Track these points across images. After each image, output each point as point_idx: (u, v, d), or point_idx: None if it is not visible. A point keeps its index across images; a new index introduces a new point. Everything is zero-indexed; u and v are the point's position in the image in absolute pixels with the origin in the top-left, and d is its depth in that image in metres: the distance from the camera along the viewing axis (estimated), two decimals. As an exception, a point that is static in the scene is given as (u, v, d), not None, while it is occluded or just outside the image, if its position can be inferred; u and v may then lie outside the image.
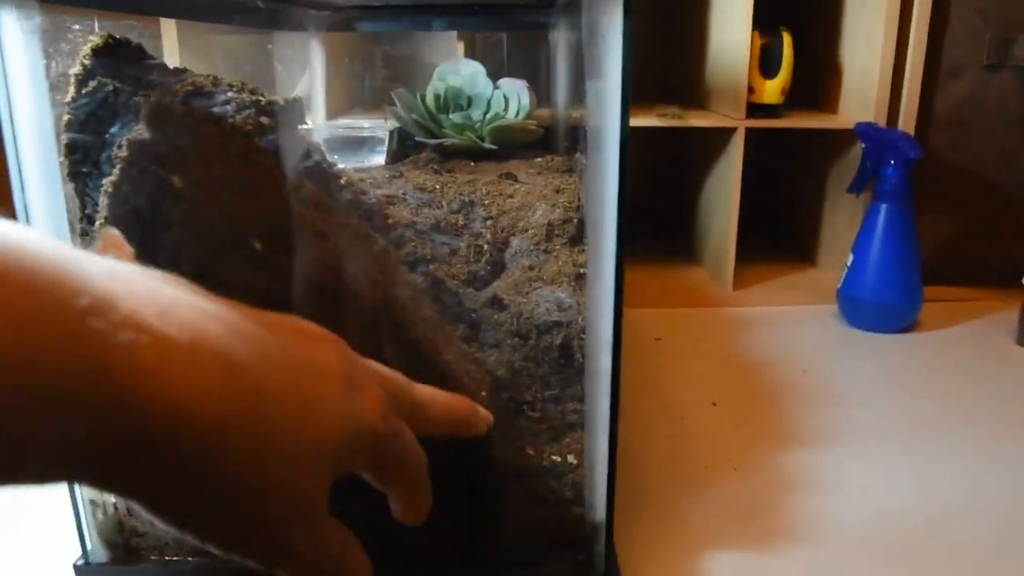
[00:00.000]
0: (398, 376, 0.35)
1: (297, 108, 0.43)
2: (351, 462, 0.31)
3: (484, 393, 0.46)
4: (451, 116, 0.84)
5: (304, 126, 0.44)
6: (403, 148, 0.88)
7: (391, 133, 0.90)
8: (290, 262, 0.41)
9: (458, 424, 0.38)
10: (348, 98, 1.10)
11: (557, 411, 0.50)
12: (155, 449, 0.24)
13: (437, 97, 0.87)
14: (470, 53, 1.03)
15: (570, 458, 0.48)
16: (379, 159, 0.87)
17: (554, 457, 0.47)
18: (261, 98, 0.43)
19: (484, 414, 0.39)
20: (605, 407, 0.44)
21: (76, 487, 0.47)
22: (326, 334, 0.32)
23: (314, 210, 0.42)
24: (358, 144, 0.88)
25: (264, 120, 0.42)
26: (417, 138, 0.84)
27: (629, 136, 0.41)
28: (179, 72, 0.48)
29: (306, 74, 1.02)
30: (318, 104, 0.99)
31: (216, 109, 0.41)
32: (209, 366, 0.25)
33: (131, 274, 0.25)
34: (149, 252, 0.41)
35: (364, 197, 0.53)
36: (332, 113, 1.01)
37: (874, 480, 0.64)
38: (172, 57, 0.94)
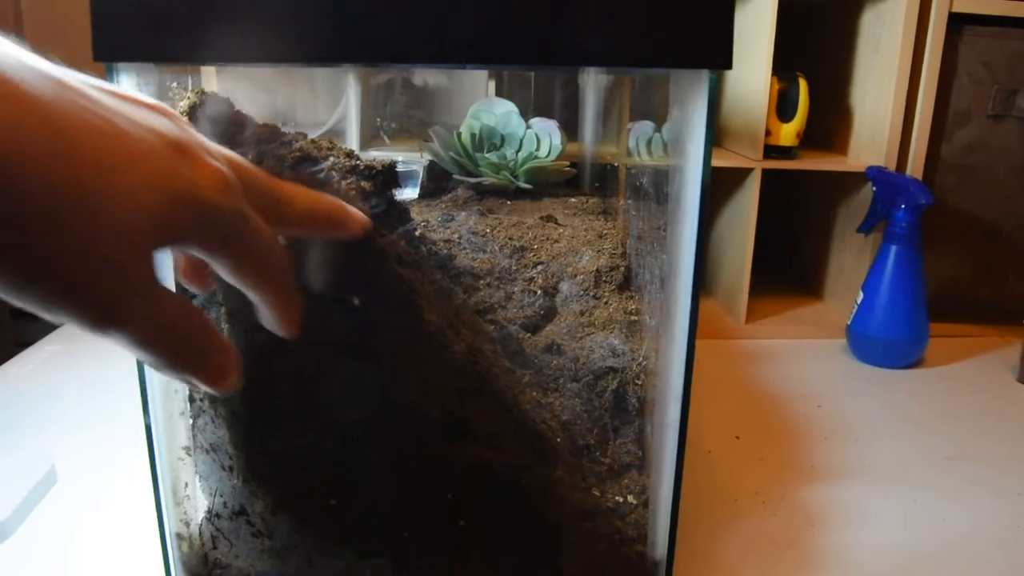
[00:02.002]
0: (258, 169, 0.35)
1: (392, 172, 0.46)
2: (186, 235, 0.30)
3: (559, 440, 0.49)
4: (487, 155, 0.88)
5: (397, 189, 0.47)
6: (436, 183, 0.91)
7: (424, 168, 0.93)
8: (386, 318, 0.44)
9: (325, 222, 0.38)
10: (373, 132, 1.13)
11: (617, 453, 0.53)
12: None
13: (472, 136, 0.90)
14: (500, 90, 1.06)
15: (630, 498, 0.51)
16: (412, 193, 0.90)
17: (617, 498, 0.51)
18: (360, 163, 0.46)
19: (357, 215, 0.39)
20: (672, 453, 0.47)
21: (164, 519, 0.50)
22: (163, 107, 0.31)
23: (408, 269, 0.45)
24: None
25: (365, 184, 0.45)
26: (455, 176, 0.87)
27: (709, 204, 0.44)
28: (272, 129, 0.51)
29: (341, 105, 1.05)
30: (352, 135, 1.02)
31: (322, 175, 0.44)
32: (16, 109, 0.25)
33: None
34: (250, 305, 0.44)
35: (437, 250, 0.56)
36: (364, 144, 1.04)
37: (892, 515, 0.67)
38: (211, 86, 0.97)
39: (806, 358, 1.03)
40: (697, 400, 0.88)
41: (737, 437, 0.81)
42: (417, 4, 0.41)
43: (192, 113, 0.48)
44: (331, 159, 0.45)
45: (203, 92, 0.50)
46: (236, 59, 0.46)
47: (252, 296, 0.35)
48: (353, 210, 0.39)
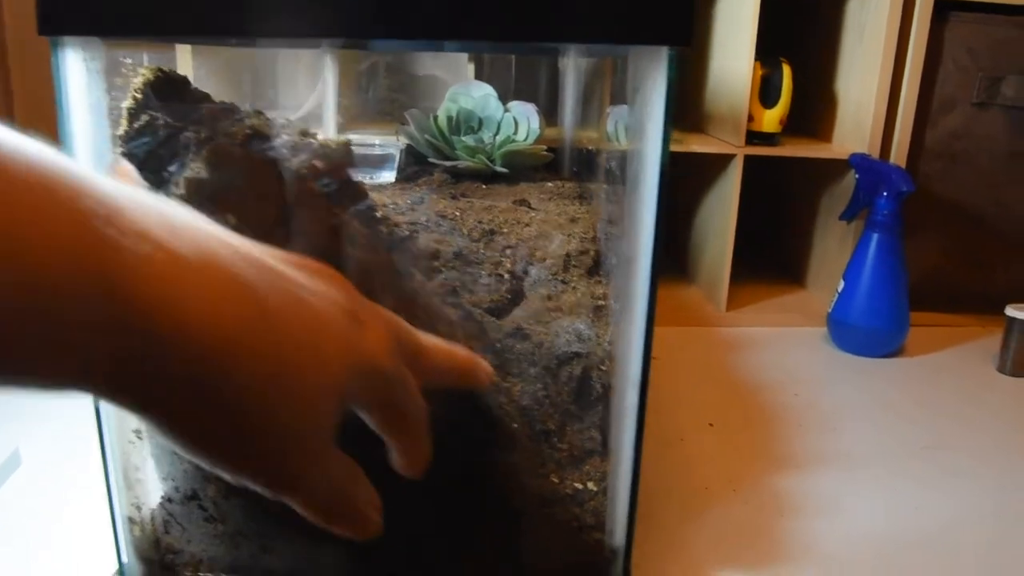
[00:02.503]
0: (402, 321, 0.36)
1: (347, 150, 0.45)
2: (356, 398, 0.31)
3: (516, 425, 0.48)
4: (463, 138, 0.87)
5: (353, 168, 0.46)
6: (413, 166, 0.90)
7: (401, 151, 0.92)
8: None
9: (460, 374, 0.39)
10: (356, 113, 1.12)
11: (578, 440, 0.52)
12: (163, 362, 0.24)
13: (449, 119, 0.89)
14: (479, 73, 1.05)
15: (590, 485, 0.51)
16: (390, 176, 0.89)
17: (576, 484, 0.50)
18: (314, 141, 0.45)
19: (485, 367, 0.40)
20: (630, 439, 0.46)
21: (114, 502, 0.49)
22: (333, 271, 0.32)
23: (362, 250, 0.44)
24: (369, 160, 0.91)
25: (317, 163, 0.44)
26: (431, 159, 0.86)
27: (668, 185, 0.43)
28: (228, 108, 0.50)
29: (318, 88, 1.04)
30: (329, 119, 1.01)
31: (273, 152, 0.43)
32: (218, 285, 0.25)
33: (140, 194, 0.26)
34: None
35: (400, 231, 0.55)
36: (342, 128, 1.03)
37: (866, 503, 0.67)
38: (186, 70, 0.96)
39: (786, 346, 1.02)
40: (673, 387, 0.88)
41: (711, 424, 0.80)
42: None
43: (145, 90, 0.47)
44: (284, 137, 0.45)
45: (159, 69, 0.49)
46: (186, 33, 0.45)
47: (388, 441, 0.36)
48: (481, 361, 0.40)
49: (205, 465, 0.28)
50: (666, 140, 0.43)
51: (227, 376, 0.25)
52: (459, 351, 0.39)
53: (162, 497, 0.50)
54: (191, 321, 0.24)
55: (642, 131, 0.44)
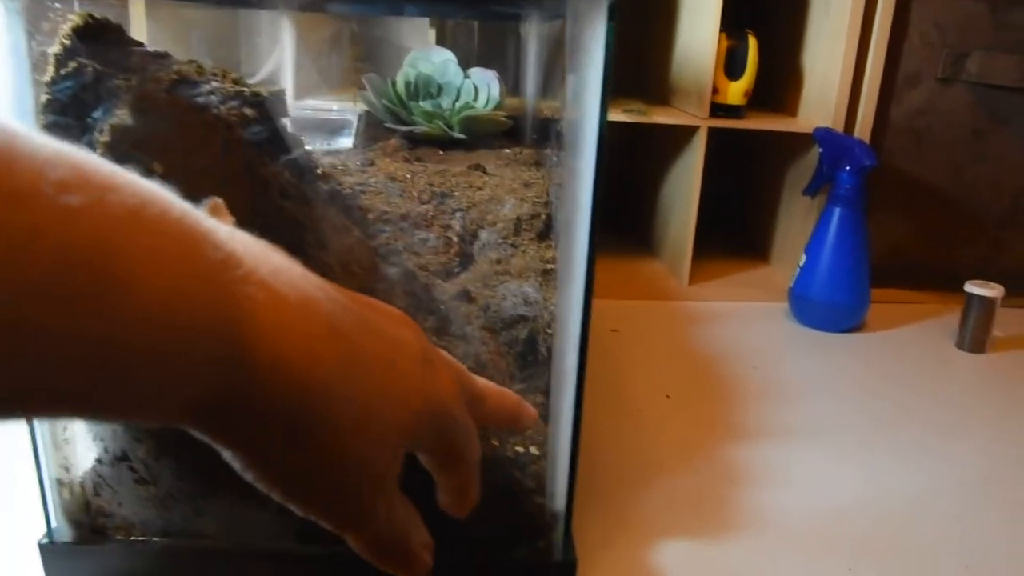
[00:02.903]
0: (462, 367, 0.37)
1: (281, 100, 0.44)
2: (422, 438, 0.32)
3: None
4: (421, 104, 0.85)
5: (287, 118, 0.45)
6: (372, 132, 0.88)
7: (360, 117, 0.90)
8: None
9: (510, 418, 0.40)
10: (316, 79, 1.10)
11: (521, 403, 0.51)
12: (260, 400, 0.25)
13: (408, 84, 0.87)
14: (441, 39, 1.03)
15: (532, 449, 0.50)
16: (347, 142, 0.88)
17: (517, 448, 0.49)
18: (245, 89, 0.43)
19: (530, 411, 0.41)
20: (570, 402, 0.45)
21: (41, 464, 0.48)
22: (403, 315, 0.33)
23: (293, 201, 0.43)
24: (327, 126, 0.89)
25: (248, 111, 0.42)
26: (387, 124, 0.85)
27: (607, 141, 0.42)
28: (161, 56, 0.48)
29: (275, 53, 1.02)
30: (287, 84, 0.99)
31: (201, 99, 0.42)
32: (316, 327, 0.26)
33: (244, 236, 0.27)
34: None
35: (339, 188, 0.54)
36: (300, 93, 1.01)
37: (820, 475, 0.67)
38: (139, 32, 0.93)
39: (747, 321, 1.02)
40: (632, 360, 0.87)
41: (668, 396, 0.79)
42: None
43: (77, 35, 0.45)
44: (213, 83, 0.43)
45: (90, 15, 0.47)
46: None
47: (440, 479, 0.36)
48: (527, 405, 0.40)
49: (276, 497, 0.28)
50: (604, 96, 0.42)
51: (319, 416, 0.26)
52: (510, 395, 0.40)
53: (92, 459, 0.49)
54: (292, 360, 0.25)
55: (582, 90, 0.43)
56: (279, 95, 0.44)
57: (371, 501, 0.30)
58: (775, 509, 0.61)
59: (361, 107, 0.90)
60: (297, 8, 0.93)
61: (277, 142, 0.44)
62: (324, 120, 0.88)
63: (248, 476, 0.27)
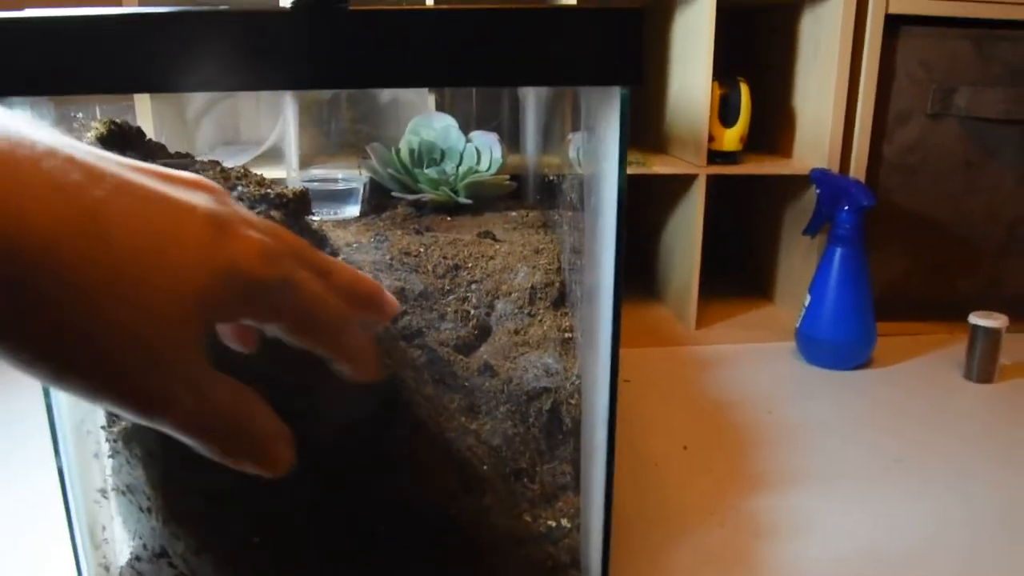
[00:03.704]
0: (303, 240, 0.35)
1: (304, 198, 0.45)
2: (228, 309, 0.30)
3: (486, 467, 0.48)
4: (426, 171, 0.87)
5: (311, 217, 0.46)
6: (377, 200, 0.90)
7: (364, 185, 0.92)
8: (300, 350, 0.43)
9: (367, 301, 0.37)
10: (318, 148, 1.12)
11: (550, 476, 0.52)
12: None
13: (411, 151, 0.89)
14: (440, 104, 1.05)
15: (563, 522, 0.50)
16: (355, 210, 0.89)
17: (550, 522, 0.50)
18: (270, 191, 0.45)
19: (390, 299, 0.38)
20: (601, 475, 0.46)
21: (81, 564, 0.48)
22: (204, 182, 0.31)
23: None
24: (333, 196, 0.90)
25: (274, 214, 0.44)
26: (394, 193, 0.86)
27: (627, 218, 0.43)
28: (183, 157, 0.50)
29: (278, 125, 1.04)
30: (291, 154, 1.00)
31: (229, 205, 0.43)
32: (31, 183, 0.25)
33: None
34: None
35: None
36: (304, 163, 1.03)
37: (842, 521, 0.67)
38: (145, 114, 0.95)
39: (756, 362, 1.03)
40: (645, 410, 0.88)
41: (685, 447, 0.80)
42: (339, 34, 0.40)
43: (101, 143, 0.47)
44: (239, 188, 0.44)
45: (112, 122, 0.48)
46: (135, 89, 0.44)
47: (324, 354, 0.35)
48: (388, 295, 0.38)
49: (55, 386, 0.27)
50: (622, 174, 0.43)
51: (51, 280, 0.25)
52: (365, 278, 0.37)
53: (130, 555, 0.49)
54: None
55: (598, 166, 0.44)
56: (303, 194, 0.45)
57: (166, 380, 0.27)
58: (804, 560, 0.62)
59: (367, 175, 0.92)
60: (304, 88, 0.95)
61: (305, 239, 0.45)
62: (331, 190, 0.90)
63: (10, 361, 0.25)
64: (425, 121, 0.92)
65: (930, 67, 1.04)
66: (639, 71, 0.41)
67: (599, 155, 0.45)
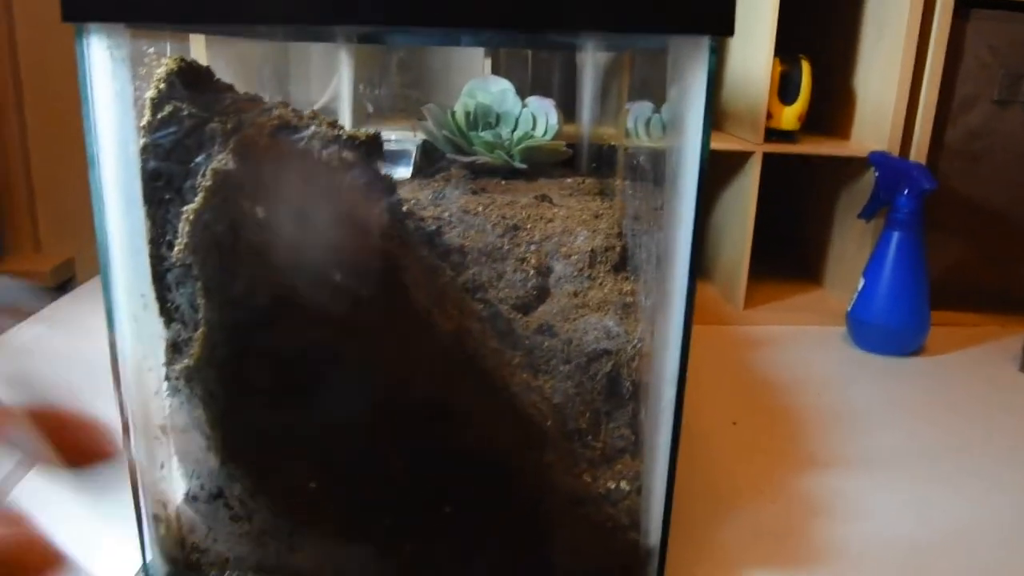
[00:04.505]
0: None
1: (377, 142, 0.44)
2: None
3: (549, 423, 0.47)
4: (481, 134, 0.86)
5: (382, 160, 0.45)
6: (429, 162, 0.89)
7: (417, 147, 0.91)
8: (369, 294, 0.42)
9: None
10: (373, 108, 1.11)
11: (610, 438, 0.51)
12: None
13: (467, 114, 0.88)
14: (496, 68, 1.04)
15: (623, 484, 0.50)
16: (405, 172, 0.88)
17: (609, 484, 0.49)
18: (342, 132, 0.44)
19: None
20: (666, 440, 0.45)
21: (140, 500, 0.48)
22: None
23: (393, 243, 0.43)
24: (387, 157, 0.90)
25: (347, 155, 0.43)
26: (448, 155, 0.85)
27: (707, 176, 0.42)
28: (254, 99, 0.49)
29: (333, 84, 1.03)
30: (345, 115, 1.00)
31: (302, 144, 0.42)
32: None
33: None
34: (227, 280, 0.43)
35: (424, 226, 0.54)
36: (357, 124, 1.02)
37: (893, 506, 0.66)
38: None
39: (805, 345, 1.01)
40: (694, 386, 0.87)
41: (734, 423, 0.79)
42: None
43: (169, 79, 0.46)
44: (312, 128, 0.44)
45: (182, 59, 0.48)
46: (212, 21, 0.44)
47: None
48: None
49: None
50: (706, 133, 0.42)
51: None
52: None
53: (187, 495, 0.49)
54: None
55: (681, 126, 0.43)
56: (375, 138, 0.44)
57: None
58: (854, 540, 0.61)
59: (420, 136, 0.91)
60: (356, 41, 0.94)
61: (376, 185, 0.44)
62: (385, 151, 0.89)
63: None
64: (481, 84, 0.91)
65: (999, 52, 1.01)
66: (730, 20, 0.40)
67: (682, 114, 0.44)
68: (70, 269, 1.45)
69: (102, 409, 0.46)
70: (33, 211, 1.42)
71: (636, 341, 0.54)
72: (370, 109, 1.00)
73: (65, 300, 1.10)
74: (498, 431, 0.45)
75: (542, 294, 0.60)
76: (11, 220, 1.41)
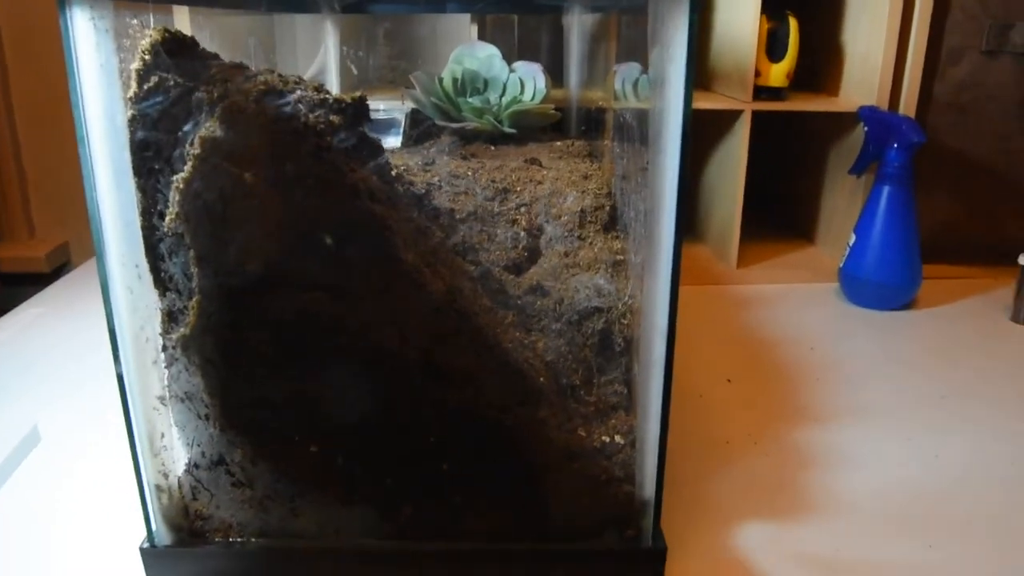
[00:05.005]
0: None
1: (363, 105, 0.45)
2: None
3: (543, 379, 0.48)
4: (470, 100, 0.86)
5: (369, 123, 0.45)
6: (419, 130, 0.89)
7: (406, 115, 0.91)
8: (359, 256, 0.43)
9: None
10: (356, 83, 1.11)
11: (603, 394, 0.52)
12: None
13: (455, 80, 0.88)
14: (482, 35, 1.04)
15: (617, 438, 0.50)
16: (396, 141, 0.88)
17: (604, 438, 0.50)
18: (328, 96, 0.44)
19: None
20: (658, 392, 0.46)
21: (142, 471, 0.49)
22: None
23: (381, 205, 0.43)
24: (376, 126, 0.89)
25: (334, 118, 0.43)
26: (437, 121, 0.85)
27: (691, 130, 0.42)
28: (239, 67, 0.49)
29: (319, 54, 1.03)
30: (332, 85, 0.99)
31: (288, 108, 0.42)
32: None
33: None
34: (219, 248, 0.43)
35: (413, 188, 0.54)
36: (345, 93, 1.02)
37: (886, 455, 0.67)
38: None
39: (798, 302, 1.02)
40: (688, 345, 0.88)
41: (729, 380, 0.80)
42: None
43: (154, 50, 0.46)
44: (298, 92, 0.44)
45: (166, 29, 0.48)
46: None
47: None
48: None
49: None
50: (688, 92, 0.42)
51: None
52: None
53: (188, 463, 0.50)
54: None
55: (664, 84, 0.43)
56: (361, 101, 0.44)
57: None
58: (847, 490, 0.62)
59: (408, 104, 0.91)
60: (340, 11, 0.94)
61: (363, 147, 0.44)
62: (373, 120, 0.89)
63: None
64: (468, 50, 0.90)
65: (986, 2, 1.01)
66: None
67: (664, 70, 0.44)
68: (65, 254, 1.45)
69: (109, 389, 0.47)
70: (26, 197, 1.42)
71: (627, 298, 0.55)
72: (355, 72, 1.00)
73: (62, 282, 1.11)
74: (493, 388, 0.45)
75: (533, 255, 0.60)
76: (4, 207, 1.40)
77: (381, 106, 0.94)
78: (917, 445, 0.68)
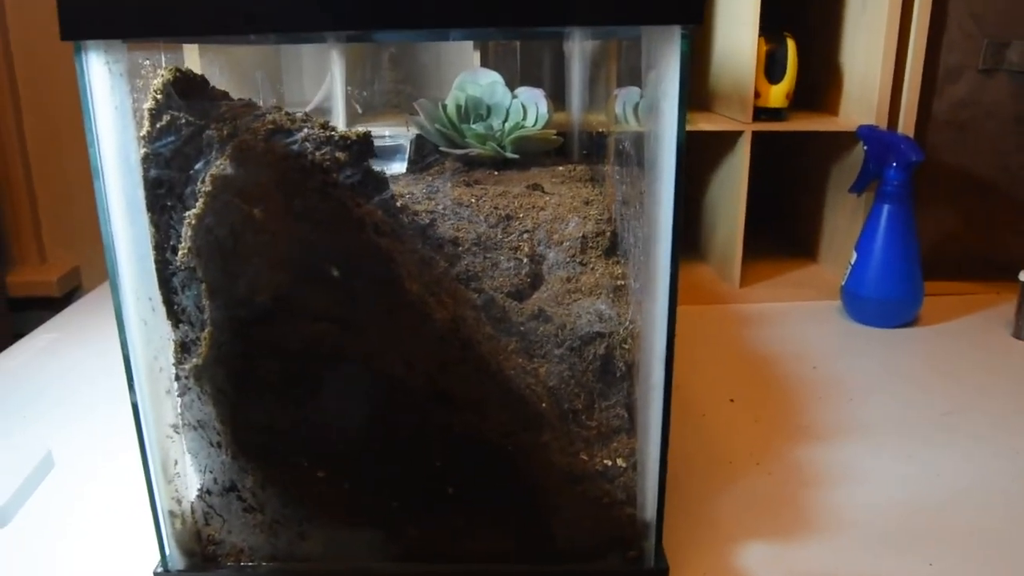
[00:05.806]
0: None
1: (368, 142, 0.46)
2: None
3: (545, 404, 0.49)
4: (473, 126, 0.87)
5: (374, 158, 0.47)
6: (423, 156, 0.91)
7: (411, 141, 0.93)
8: (365, 287, 0.44)
9: None
10: (363, 106, 1.13)
11: (605, 418, 0.53)
12: None
13: (458, 107, 0.89)
14: (485, 61, 1.05)
15: (619, 461, 0.51)
16: (401, 167, 0.90)
17: (605, 461, 0.51)
18: (335, 134, 0.46)
19: None
20: (658, 416, 0.47)
21: (156, 498, 0.50)
22: None
23: (387, 238, 0.45)
24: (381, 152, 0.91)
25: (340, 155, 0.45)
26: (441, 148, 0.87)
27: (686, 156, 0.44)
28: (248, 105, 0.51)
29: (325, 83, 1.05)
30: (338, 112, 1.01)
31: (296, 146, 0.44)
32: None
33: None
34: (230, 281, 0.44)
35: (418, 219, 0.56)
36: (349, 122, 1.03)
37: (888, 472, 0.68)
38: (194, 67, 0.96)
39: (801, 320, 1.03)
40: (691, 365, 0.89)
41: (731, 400, 0.81)
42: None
43: (166, 90, 0.48)
44: (305, 130, 0.45)
45: (177, 69, 0.49)
46: (205, 32, 0.45)
47: None
48: None
49: None
50: (682, 118, 0.44)
51: None
52: None
53: (200, 490, 0.51)
54: None
55: (657, 110, 0.44)
56: (367, 137, 0.46)
57: None
58: (849, 507, 0.62)
59: (413, 131, 0.93)
60: (345, 40, 0.96)
61: (368, 182, 0.46)
62: (379, 147, 0.90)
63: None
64: (471, 77, 0.92)
65: (982, 21, 1.02)
66: (700, 9, 0.41)
67: (657, 100, 0.45)
68: (76, 278, 1.47)
69: (123, 415, 0.48)
70: (37, 222, 1.44)
71: (628, 323, 0.56)
72: (359, 111, 1.02)
73: (75, 308, 1.12)
74: (496, 414, 0.47)
75: (536, 281, 0.61)
76: (15, 232, 1.43)
77: (387, 132, 0.95)
78: (919, 462, 0.69)
